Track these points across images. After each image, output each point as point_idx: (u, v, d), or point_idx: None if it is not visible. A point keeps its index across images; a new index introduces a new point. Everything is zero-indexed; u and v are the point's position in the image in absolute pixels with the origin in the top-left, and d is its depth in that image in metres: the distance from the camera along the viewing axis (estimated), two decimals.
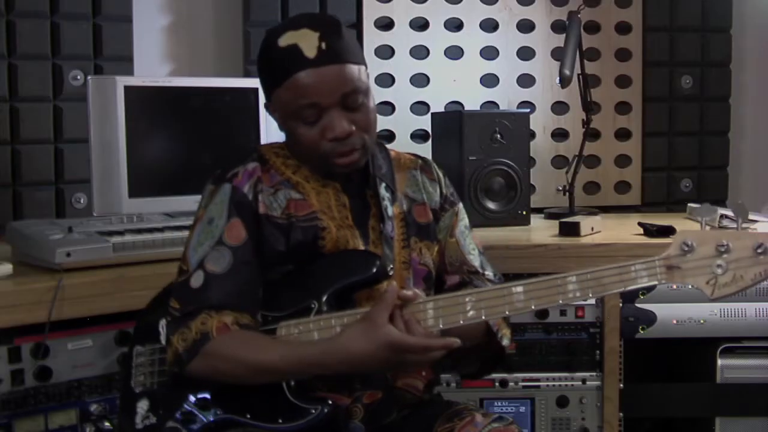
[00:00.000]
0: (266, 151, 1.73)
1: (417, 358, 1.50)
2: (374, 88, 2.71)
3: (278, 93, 1.61)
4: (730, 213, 2.31)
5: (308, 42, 1.57)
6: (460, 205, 1.85)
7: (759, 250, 1.39)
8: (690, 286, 1.44)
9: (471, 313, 1.50)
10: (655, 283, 1.45)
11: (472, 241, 1.82)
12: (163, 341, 1.66)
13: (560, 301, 1.48)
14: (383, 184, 1.72)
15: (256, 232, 1.63)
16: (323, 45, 1.57)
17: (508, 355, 1.76)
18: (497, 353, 1.73)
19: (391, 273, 1.64)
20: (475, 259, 1.79)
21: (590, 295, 1.46)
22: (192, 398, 1.61)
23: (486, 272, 1.79)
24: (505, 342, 1.72)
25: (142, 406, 1.65)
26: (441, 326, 1.50)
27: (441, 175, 1.84)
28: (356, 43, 1.65)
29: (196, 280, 1.60)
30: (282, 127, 1.68)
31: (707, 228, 1.46)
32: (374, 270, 1.60)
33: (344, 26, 1.63)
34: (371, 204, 1.71)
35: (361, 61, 1.64)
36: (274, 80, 1.61)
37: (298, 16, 1.65)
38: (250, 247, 1.62)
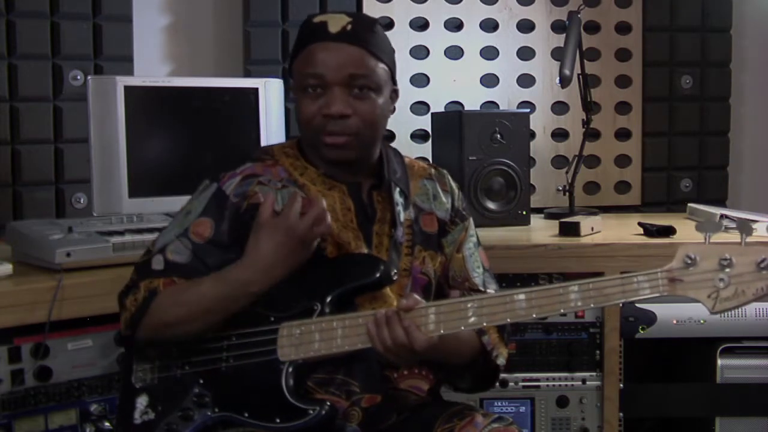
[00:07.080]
0: (276, 150, 1.74)
1: (307, 223, 1.53)
2: None
3: (296, 64, 1.64)
4: (729, 213, 2.32)
5: (337, 22, 1.61)
6: (471, 220, 1.84)
7: (762, 265, 1.37)
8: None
9: (472, 319, 1.49)
10: (657, 295, 1.44)
11: (478, 259, 1.81)
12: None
13: (561, 311, 1.48)
14: (398, 189, 1.72)
15: (230, 234, 1.63)
16: (349, 27, 1.60)
17: (508, 359, 1.76)
18: (492, 371, 1.73)
19: (395, 278, 1.64)
20: (478, 278, 1.78)
21: (592, 305, 1.46)
22: (191, 396, 1.61)
23: (488, 290, 1.78)
24: (500, 361, 1.72)
25: (141, 401, 1.65)
26: (442, 331, 1.50)
27: (455, 187, 1.84)
28: (388, 45, 1.67)
29: (157, 264, 1.64)
30: (295, 101, 1.70)
31: (710, 241, 1.45)
32: (378, 275, 1.60)
33: (381, 28, 1.66)
34: (378, 209, 1.70)
35: (384, 60, 1.64)
36: (295, 51, 1.65)
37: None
38: (210, 249, 1.63)
